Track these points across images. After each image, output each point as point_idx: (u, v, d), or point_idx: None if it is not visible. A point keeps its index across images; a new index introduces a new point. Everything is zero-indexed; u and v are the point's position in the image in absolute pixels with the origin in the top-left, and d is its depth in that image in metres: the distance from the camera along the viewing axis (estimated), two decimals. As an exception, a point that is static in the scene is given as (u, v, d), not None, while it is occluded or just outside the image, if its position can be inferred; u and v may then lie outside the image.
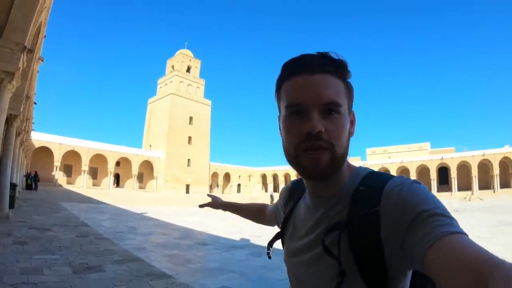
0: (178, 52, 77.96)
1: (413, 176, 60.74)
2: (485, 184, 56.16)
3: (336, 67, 0.77)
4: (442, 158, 61.83)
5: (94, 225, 11.92)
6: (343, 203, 0.78)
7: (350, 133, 0.80)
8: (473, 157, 56.56)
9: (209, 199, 1.65)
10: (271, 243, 1.04)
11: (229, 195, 70.87)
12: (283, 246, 0.99)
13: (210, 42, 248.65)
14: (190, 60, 77.55)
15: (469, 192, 52.76)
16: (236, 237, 11.08)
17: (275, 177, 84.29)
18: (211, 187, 75.38)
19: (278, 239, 1.02)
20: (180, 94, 70.83)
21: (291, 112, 0.77)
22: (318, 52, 0.80)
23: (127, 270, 5.69)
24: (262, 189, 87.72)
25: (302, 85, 0.76)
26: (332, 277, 0.73)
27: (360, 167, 0.88)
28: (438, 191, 60.04)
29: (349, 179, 0.82)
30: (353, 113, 0.84)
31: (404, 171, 64.50)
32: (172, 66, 76.66)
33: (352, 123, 0.82)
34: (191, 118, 72.17)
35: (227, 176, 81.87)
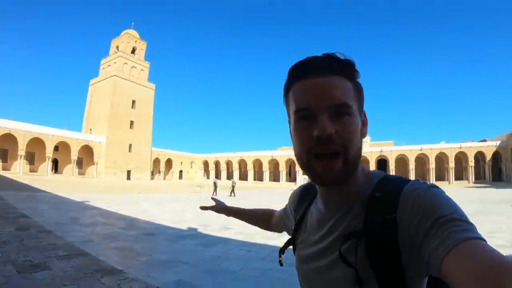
0: (123, 32, 74.29)
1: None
2: (421, 177, 61.23)
3: (343, 68, 0.76)
4: (381, 151, 65.61)
5: (34, 216, 11.06)
6: (358, 208, 0.76)
7: (362, 134, 0.79)
8: (411, 151, 61.13)
9: (212, 202, 1.63)
10: (282, 250, 1.01)
11: (170, 182, 69.54)
12: (294, 253, 0.96)
13: (157, 24, 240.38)
14: (136, 41, 74.32)
15: (404, 184, 56.34)
16: (183, 226, 10.92)
17: (217, 164, 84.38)
18: (152, 173, 73.61)
19: (289, 245, 0.99)
20: (124, 76, 67.87)
21: (300, 117, 0.76)
22: (325, 54, 0.79)
23: (75, 266, 5.37)
24: (204, 175, 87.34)
25: (310, 89, 0.75)
26: (347, 285, 0.72)
27: (374, 170, 0.86)
28: (376, 181, 64.29)
29: (363, 183, 0.80)
30: (365, 113, 0.82)
31: (344, 161, 67.43)
32: (117, 47, 72.91)
33: (364, 123, 0.81)
34: (133, 102, 69.47)
35: (169, 163, 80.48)
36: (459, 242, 0.55)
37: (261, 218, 1.41)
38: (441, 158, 61.50)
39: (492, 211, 15.76)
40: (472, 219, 0.61)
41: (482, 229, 9.89)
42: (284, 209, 1.18)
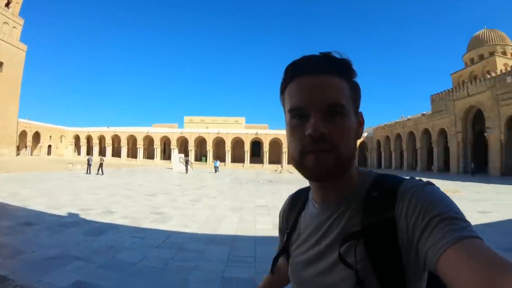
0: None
1: (228, 146, 65.59)
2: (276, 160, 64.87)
3: (339, 67, 0.75)
4: (256, 133, 68.03)
5: None
6: (354, 208, 0.75)
7: (358, 135, 0.78)
8: (284, 134, 64.04)
9: None
10: (276, 259, 0.96)
11: (38, 158, 60.74)
12: (287, 261, 0.93)
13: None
14: (12, -9, 60.74)
15: (279, 165, 59.40)
16: (62, 211, 9.62)
17: (89, 139, 76.95)
18: (18, 148, 63.05)
19: (283, 253, 0.95)
20: (-9, 31, 55.38)
21: (293, 116, 0.75)
22: (321, 53, 0.77)
23: None
24: (75, 151, 79.04)
25: (304, 88, 0.74)
26: (348, 286, 0.70)
27: (368, 170, 0.86)
28: (251, 162, 66.63)
29: (357, 183, 0.79)
30: (361, 114, 0.81)
31: (220, 141, 69.02)
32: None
33: (360, 124, 0.80)
34: (0, 64, 57.37)
35: (37, 136, 70.17)
36: (455, 241, 0.55)
37: (272, 281, 1.18)
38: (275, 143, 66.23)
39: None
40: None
41: None
42: (279, 230, 1.08)
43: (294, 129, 0.75)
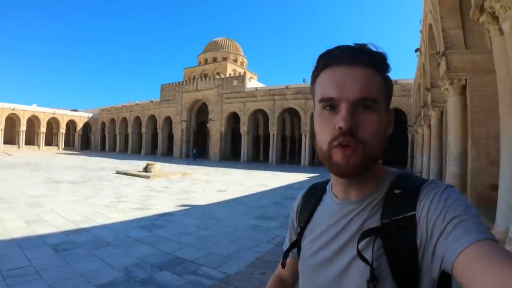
0: None
1: None
2: (10, 139, 52.98)
3: (373, 60, 0.72)
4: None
5: None
6: (375, 206, 0.74)
7: (386, 132, 0.75)
8: (1, 110, 50.90)
9: None
10: (287, 252, 0.94)
11: None
12: (298, 255, 0.90)
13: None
14: None
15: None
16: None
17: None
18: None
19: (294, 247, 0.92)
20: None
21: (323, 107, 0.72)
22: (356, 44, 0.74)
23: None
24: None
25: (336, 79, 0.71)
26: (362, 282, 0.68)
27: (389, 168, 0.83)
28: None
29: (380, 181, 0.77)
30: (391, 111, 0.78)
31: None
32: None
33: (389, 122, 0.77)
34: None
35: None
36: (472, 242, 0.55)
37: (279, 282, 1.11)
38: (33, 122, 55.98)
39: (102, 178, 16.33)
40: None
41: (105, 195, 10.62)
42: (290, 224, 1.03)
43: (324, 120, 0.72)
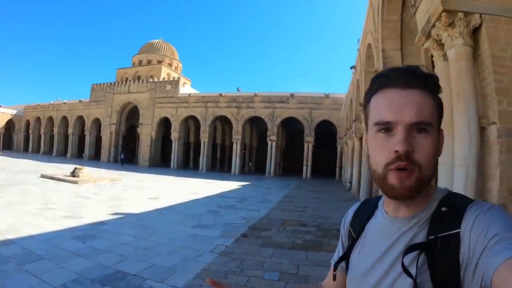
0: None
1: None
2: None
3: (426, 82, 0.73)
4: None
5: None
6: (423, 223, 0.75)
7: (438, 153, 0.75)
8: None
9: None
10: (336, 265, 0.93)
11: None
12: (346, 269, 0.92)
13: None
14: None
15: None
16: None
17: None
18: None
19: (343, 260, 0.93)
20: None
21: (379, 130, 0.74)
22: (408, 66, 0.76)
23: None
24: None
25: (392, 102, 0.72)
26: None
27: (439, 187, 0.83)
28: None
29: (430, 199, 0.78)
30: (442, 131, 0.78)
31: None
32: None
33: (440, 142, 0.77)
34: None
35: None
36: (510, 257, 0.55)
37: None
38: None
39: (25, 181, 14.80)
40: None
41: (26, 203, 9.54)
42: (340, 239, 1.06)
43: (379, 143, 0.73)
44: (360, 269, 0.84)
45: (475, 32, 4.12)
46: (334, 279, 0.93)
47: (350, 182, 20.07)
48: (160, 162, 40.57)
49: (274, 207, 11.85)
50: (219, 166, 41.46)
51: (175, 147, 37.58)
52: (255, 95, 35.14)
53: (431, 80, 0.73)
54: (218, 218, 9.29)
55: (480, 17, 3.99)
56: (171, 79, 42.61)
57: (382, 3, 8.63)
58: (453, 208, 0.72)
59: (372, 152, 0.76)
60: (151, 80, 41.57)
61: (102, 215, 8.60)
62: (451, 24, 4.12)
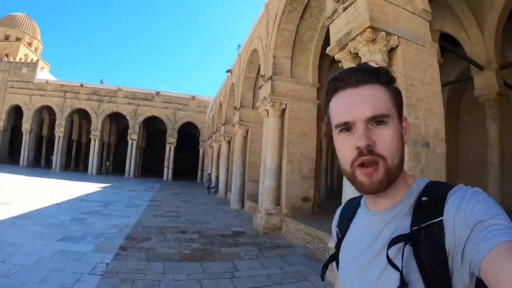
0: None
1: None
2: None
3: (377, 75, 0.73)
4: None
5: None
6: (405, 214, 0.73)
7: (404, 141, 0.75)
8: None
9: None
10: (326, 265, 0.92)
11: None
12: (337, 267, 0.91)
13: None
14: None
15: None
16: None
17: None
18: None
19: (333, 260, 0.93)
20: None
21: (340, 130, 0.74)
22: (358, 64, 0.79)
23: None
24: None
25: (346, 101, 0.73)
26: None
27: (419, 177, 0.81)
28: None
29: (409, 190, 0.77)
30: (405, 119, 0.78)
31: None
32: None
33: (406, 129, 0.77)
34: None
35: None
36: (498, 243, 0.54)
37: None
38: None
39: None
40: None
41: None
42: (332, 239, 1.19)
43: (342, 143, 0.74)
44: (347, 266, 0.83)
45: (390, 52, 4.40)
46: (323, 279, 0.93)
47: (217, 185, 19.89)
48: (8, 159, 32.56)
49: (145, 212, 10.65)
50: (74, 165, 35.39)
51: (26, 141, 30.58)
52: (119, 89, 31.79)
53: (380, 73, 0.74)
54: (86, 227, 7.57)
55: (398, 39, 4.30)
56: (28, 60, 34.42)
57: (283, 12, 8.58)
58: (434, 196, 0.71)
59: (338, 152, 0.76)
60: (6, 59, 33.11)
61: None
62: (373, 40, 4.25)
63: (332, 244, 4.27)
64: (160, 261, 5.28)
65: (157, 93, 32.12)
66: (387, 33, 4.25)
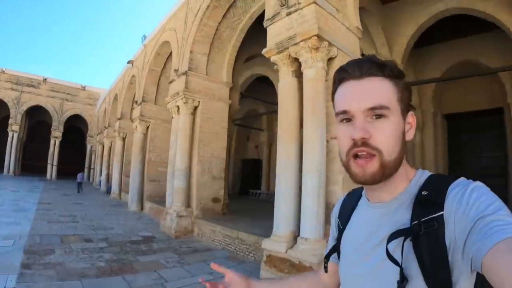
0: None
1: None
2: None
3: (382, 69, 0.71)
4: None
5: None
6: (405, 208, 0.71)
7: (406, 136, 0.74)
8: None
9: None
10: (327, 256, 0.94)
11: None
12: (338, 258, 0.89)
13: None
14: None
15: None
16: None
17: None
18: None
19: (334, 252, 0.92)
20: None
21: (341, 119, 0.74)
22: (365, 56, 0.77)
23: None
24: None
25: (348, 92, 0.73)
26: (394, 283, 0.65)
27: (420, 170, 0.79)
28: None
29: (409, 183, 0.75)
30: (411, 114, 0.76)
31: None
32: None
33: (411, 125, 0.76)
34: None
35: None
36: (500, 240, 0.52)
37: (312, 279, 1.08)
38: None
39: None
40: None
41: None
42: (330, 231, 1.03)
43: (341, 133, 0.74)
44: (348, 259, 0.83)
45: (328, 61, 4.71)
46: (326, 270, 0.93)
47: (109, 186, 18.38)
48: None
49: (37, 218, 9.04)
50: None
51: None
52: (2, 71, 26.40)
53: (386, 65, 0.72)
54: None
55: (337, 50, 4.66)
56: None
57: (207, 6, 8.17)
58: (434, 190, 0.69)
59: (338, 142, 0.76)
60: None
61: None
62: (317, 48, 4.46)
63: (267, 244, 4.11)
64: (75, 279, 4.47)
65: (45, 79, 27.79)
66: (329, 44, 4.47)
